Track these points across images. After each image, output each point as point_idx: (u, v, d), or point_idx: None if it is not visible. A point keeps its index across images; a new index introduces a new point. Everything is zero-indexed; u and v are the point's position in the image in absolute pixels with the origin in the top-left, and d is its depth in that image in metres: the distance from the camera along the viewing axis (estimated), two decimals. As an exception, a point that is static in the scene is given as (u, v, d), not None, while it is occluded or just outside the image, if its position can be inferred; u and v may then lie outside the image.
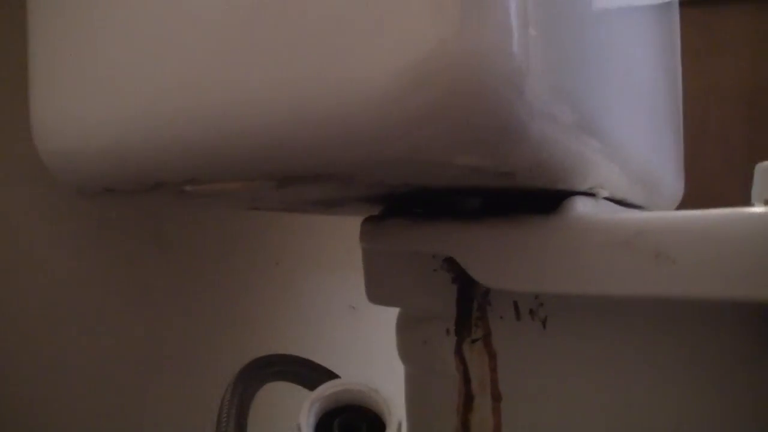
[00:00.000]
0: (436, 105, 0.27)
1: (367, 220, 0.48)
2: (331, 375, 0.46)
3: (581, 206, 0.39)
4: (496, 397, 0.46)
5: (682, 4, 0.78)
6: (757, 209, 0.34)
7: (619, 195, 0.46)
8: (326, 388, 0.32)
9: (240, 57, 0.32)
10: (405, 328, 0.50)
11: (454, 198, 0.45)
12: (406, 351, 0.50)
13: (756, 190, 0.39)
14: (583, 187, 0.40)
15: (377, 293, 0.50)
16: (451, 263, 0.46)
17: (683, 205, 0.67)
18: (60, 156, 0.38)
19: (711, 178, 1.11)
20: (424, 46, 0.27)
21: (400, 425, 0.32)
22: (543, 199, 0.40)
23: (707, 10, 1.10)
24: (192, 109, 0.33)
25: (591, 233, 0.37)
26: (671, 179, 0.62)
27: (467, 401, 0.46)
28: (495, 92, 0.28)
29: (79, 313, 0.54)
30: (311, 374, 0.46)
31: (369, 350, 0.77)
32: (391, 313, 0.51)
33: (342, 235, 0.71)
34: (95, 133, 0.37)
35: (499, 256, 0.40)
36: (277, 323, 0.68)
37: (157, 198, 0.41)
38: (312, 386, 0.47)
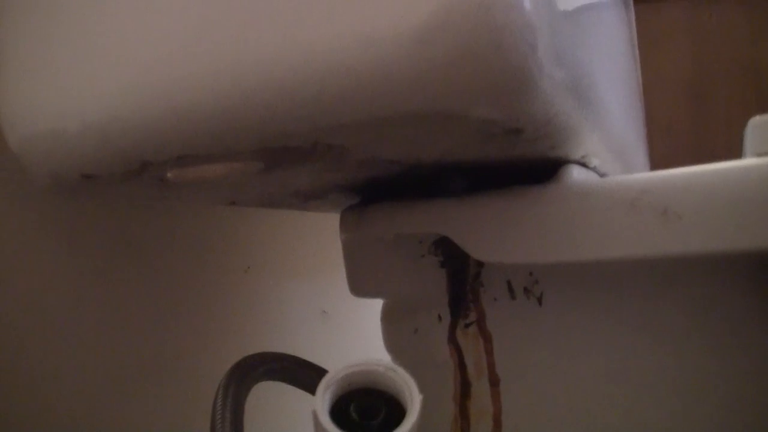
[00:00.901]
0: (456, 54, 0.27)
1: (347, 210, 0.47)
2: (320, 371, 0.44)
3: (576, 173, 0.39)
4: (494, 382, 0.45)
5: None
6: (756, 160, 0.33)
7: (603, 169, 0.46)
8: (340, 371, 0.31)
9: (240, 16, 0.30)
10: (393, 318, 0.48)
11: (438, 182, 0.44)
12: (394, 342, 0.48)
13: (749, 144, 0.39)
14: (577, 156, 0.39)
15: (361, 285, 0.48)
16: (439, 246, 0.45)
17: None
18: (33, 141, 0.35)
19: (658, 165, 1.13)
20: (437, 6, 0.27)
21: (421, 406, 0.30)
22: (532, 174, 0.39)
23: (646, 6, 1.12)
24: (186, 75, 0.31)
25: (594, 197, 0.36)
26: (641, 157, 0.63)
27: (464, 388, 0.45)
28: (509, 44, 0.27)
29: (52, 324, 0.51)
30: (300, 371, 0.45)
31: (343, 354, 0.75)
32: (364, 316, 0.50)
33: (312, 240, 0.70)
34: (75, 111, 0.34)
35: (496, 229, 0.39)
36: (249, 329, 0.66)
37: (138, 188, 0.39)
38: (301, 383, 0.45)
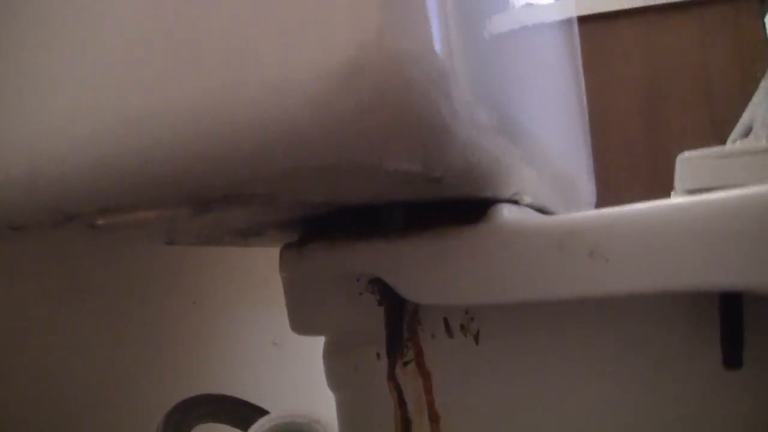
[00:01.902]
0: (362, 109, 0.26)
1: (286, 248, 0.47)
2: (261, 411, 0.44)
3: (507, 213, 0.38)
4: (434, 419, 0.44)
5: (578, 20, 0.80)
6: (682, 200, 0.33)
7: (540, 202, 0.45)
8: (265, 422, 0.30)
9: (152, 65, 0.30)
10: (333, 355, 0.48)
11: (375, 215, 0.44)
12: (336, 379, 0.48)
13: (678, 179, 0.39)
14: (507, 195, 0.39)
15: (301, 323, 0.48)
16: (376, 284, 0.45)
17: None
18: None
19: (615, 171, 1.14)
20: (345, 50, 0.26)
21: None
22: (467, 209, 0.39)
23: (600, 24, 1.13)
24: (104, 126, 0.31)
25: (521, 238, 0.36)
26: (585, 182, 0.63)
27: (405, 426, 0.45)
28: (420, 95, 0.27)
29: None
30: (240, 412, 0.44)
31: (295, 385, 0.75)
32: (315, 347, 0.49)
33: (259, 270, 0.70)
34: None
35: (427, 270, 0.39)
36: (198, 364, 0.66)
37: (68, 234, 0.38)
38: (242, 424, 0.45)
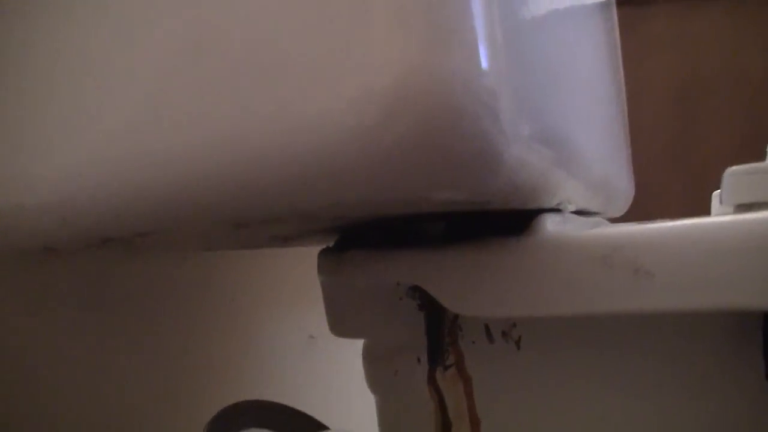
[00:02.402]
0: (408, 142, 0.26)
1: (324, 253, 0.46)
2: (301, 415, 0.44)
3: (551, 224, 0.38)
4: (475, 423, 0.44)
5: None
6: (728, 218, 0.33)
7: (581, 206, 0.45)
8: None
9: (192, 96, 0.30)
10: (373, 359, 0.48)
11: (415, 224, 0.43)
12: (376, 383, 0.48)
13: (726, 194, 0.39)
14: (551, 204, 0.39)
15: (341, 326, 0.48)
16: (416, 290, 0.45)
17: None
18: (-4, 215, 0.35)
19: (648, 172, 1.13)
20: (388, 77, 0.26)
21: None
22: (510, 218, 0.39)
23: (633, 11, 1.11)
24: (140, 155, 0.31)
25: (566, 252, 0.36)
26: (624, 181, 0.62)
27: (445, 430, 0.45)
28: (470, 116, 0.26)
29: (33, 385, 0.51)
30: (281, 418, 0.44)
31: (332, 379, 0.75)
32: (355, 341, 0.50)
33: (297, 266, 0.69)
34: (33, 189, 0.34)
35: (470, 282, 0.39)
36: (236, 362, 0.66)
37: (106, 253, 0.38)
38: (283, 429, 0.45)
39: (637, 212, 0.70)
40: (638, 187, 0.71)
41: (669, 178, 1.15)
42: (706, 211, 0.62)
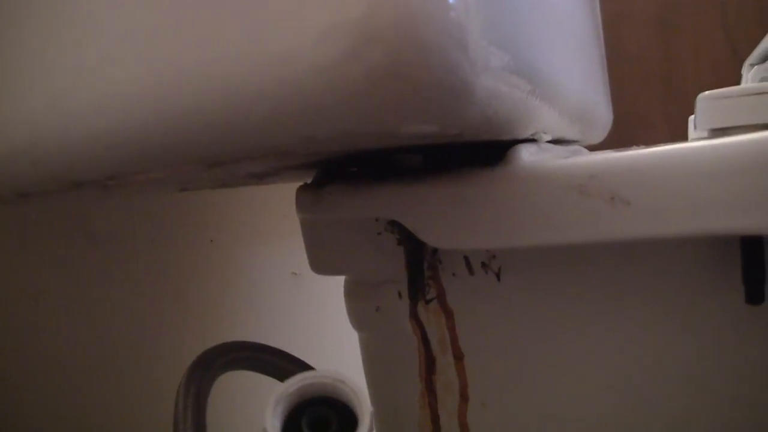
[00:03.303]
0: (375, 76, 0.25)
1: (302, 189, 0.46)
2: (283, 355, 0.44)
3: (526, 154, 0.38)
4: (458, 356, 0.45)
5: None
6: (702, 142, 0.33)
7: (558, 135, 0.45)
8: (289, 385, 0.30)
9: (153, 31, 0.29)
10: (355, 295, 0.48)
11: (393, 156, 0.43)
12: (358, 319, 0.48)
13: (700, 119, 0.38)
14: (526, 135, 0.38)
15: (321, 263, 0.48)
16: (395, 225, 0.45)
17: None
18: (-34, 163, 0.35)
19: (631, 98, 1.13)
20: (358, 7, 0.25)
21: (372, 416, 0.30)
22: (486, 149, 0.39)
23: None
24: (104, 95, 0.30)
25: (541, 181, 0.36)
26: (603, 108, 0.62)
27: (429, 364, 0.45)
28: (438, 49, 0.26)
29: (15, 323, 0.51)
30: (264, 358, 0.45)
31: (316, 316, 0.75)
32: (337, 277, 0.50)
33: (275, 203, 0.69)
34: (2, 134, 0.34)
35: (446, 215, 0.39)
36: (217, 303, 0.66)
37: (78, 196, 0.38)
38: (266, 369, 0.45)
39: (619, 139, 0.70)
40: (621, 114, 0.71)
41: (651, 104, 1.15)
42: (686, 136, 0.62)
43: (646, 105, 1.14)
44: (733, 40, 1.08)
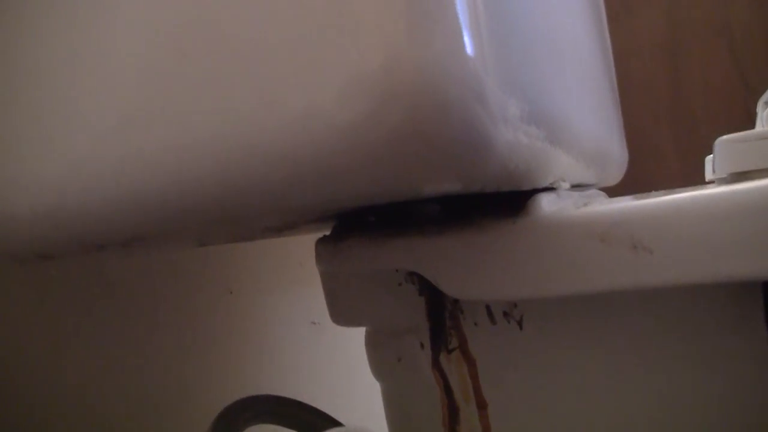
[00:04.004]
0: (396, 137, 0.25)
1: (322, 242, 0.46)
2: (307, 408, 0.44)
3: (546, 203, 0.38)
4: (482, 405, 0.44)
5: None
6: (724, 188, 0.33)
7: (576, 181, 0.45)
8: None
9: (174, 97, 0.29)
10: (376, 346, 0.48)
11: (411, 207, 0.43)
12: (380, 369, 0.48)
13: (719, 163, 0.38)
14: (545, 183, 0.38)
15: (341, 314, 0.48)
16: (416, 275, 0.44)
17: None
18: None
19: (640, 131, 1.13)
20: (376, 64, 0.25)
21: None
22: (505, 199, 0.39)
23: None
24: (127, 159, 0.31)
25: (562, 231, 0.36)
26: (617, 149, 0.62)
27: (452, 413, 0.45)
28: (457, 103, 0.26)
29: (34, 377, 0.51)
30: (288, 411, 0.44)
31: (337, 366, 0.75)
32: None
33: (294, 252, 0.69)
34: (24, 197, 0.34)
35: (467, 266, 0.38)
36: (238, 355, 0.66)
37: (99, 257, 0.38)
38: (291, 423, 0.45)
39: (633, 174, 0.70)
40: (633, 148, 0.71)
41: (661, 134, 1.15)
42: (699, 171, 0.62)
43: (656, 135, 1.14)
44: (740, 66, 1.08)
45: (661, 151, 1.15)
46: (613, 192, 0.49)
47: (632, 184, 0.63)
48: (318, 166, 0.26)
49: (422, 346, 0.45)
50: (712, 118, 1.11)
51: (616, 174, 0.63)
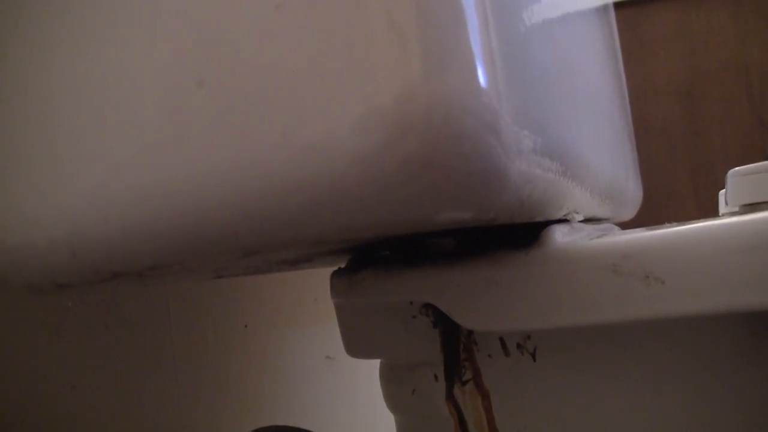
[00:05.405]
0: (411, 158, 0.26)
1: (337, 275, 0.47)
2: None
3: (560, 235, 0.38)
4: (495, 438, 0.44)
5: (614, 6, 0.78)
6: (734, 219, 0.33)
7: (589, 214, 0.45)
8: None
9: (193, 126, 0.30)
10: (390, 378, 0.48)
11: (425, 239, 0.43)
12: (394, 401, 0.48)
13: (731, 195, 0.39)
14: (558, 215, 0.39)
15: (356, 347, 0.48)
16: (430, 307, 0.45)
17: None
18: (5, 254, 0.36)
19: (657, 172, 1.13)
20: (391, 96, 0.26)
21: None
22: (519, 231, 0.39)
23: (635, 11, 1.11)
24: (144, 188, 0.31)
25: (575, 263, 0.36)
26: (632, 185, 0.62)
27: (466, 446, 0.45)
28: (471, 135, 0.26)
29: (53, 411, 0.51)
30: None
31: (351, 399, 0.75)
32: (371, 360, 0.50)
33: (308, 286, 0.70)
34: (42, 226, 0.35)
35: (481, 298, 0.39)
36: (254, 388, 0.66)
37: (115, 286, 0.39)
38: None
39: (648, 212, 0.70)
40: (649, 187, 0.71)
41: (678, 176, 1.15)
42: (715, 208, 0.62)
43: (674, 177, 1.14)
44: (758, 108, 1.09)
45: (677, 191, 1.15)
46: (628, 228, 0.49)
47: (648, 223, 0.63)
48: (334, 195, 0.27)
49: (436, 378, 0.45)
50: (728, 159, 1.11)
51: (630, 210, 0.63)
